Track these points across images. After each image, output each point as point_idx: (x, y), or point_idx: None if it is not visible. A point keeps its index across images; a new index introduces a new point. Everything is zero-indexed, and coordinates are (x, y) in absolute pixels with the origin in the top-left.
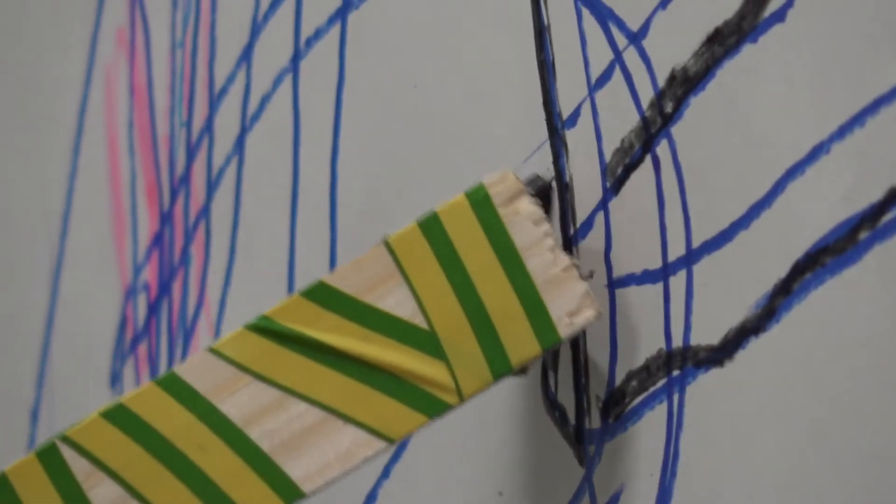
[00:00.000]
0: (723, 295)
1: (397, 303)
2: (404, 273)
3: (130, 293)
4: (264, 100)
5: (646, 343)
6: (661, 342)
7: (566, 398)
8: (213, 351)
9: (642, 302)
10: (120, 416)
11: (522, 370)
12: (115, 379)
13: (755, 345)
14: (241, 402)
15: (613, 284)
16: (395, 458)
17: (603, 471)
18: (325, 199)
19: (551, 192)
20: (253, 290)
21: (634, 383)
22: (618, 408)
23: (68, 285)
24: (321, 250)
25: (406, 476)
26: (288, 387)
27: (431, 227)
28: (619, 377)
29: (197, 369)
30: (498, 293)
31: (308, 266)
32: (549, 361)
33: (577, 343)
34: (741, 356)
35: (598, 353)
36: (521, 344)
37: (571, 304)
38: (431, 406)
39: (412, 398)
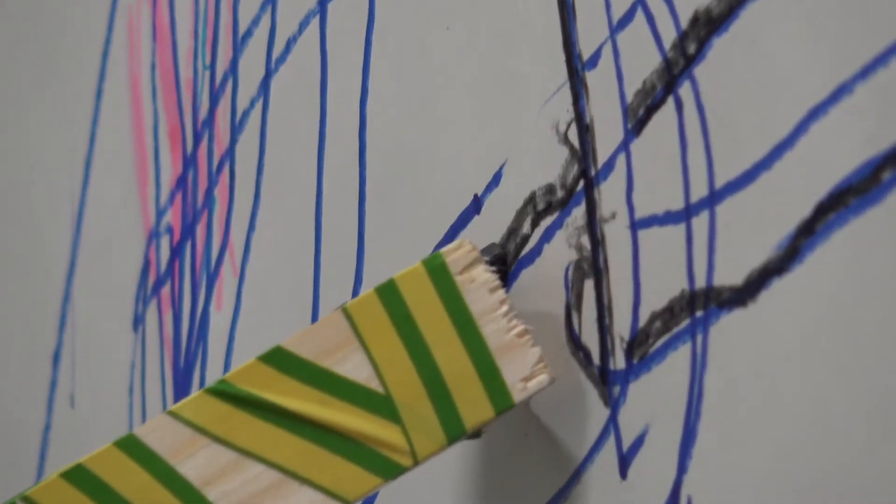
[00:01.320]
0: (746, 235)
1: (354, 367)
2: (361, 338)
3: (153, 236)
4: (290, 42)
5: (669, 284)
6: (685, 283)
7: (590, 339)
8: (172, 413)
9: (665, 243)
10: (80, 477)
11: (476, 433)
12: (138, 322)
13: (778, 285)
14: (198, 463)
15: (636, 225)
16: None
17: (628, 411)
18: (354, 141)
19: (508, 260)
20: (279, 233)
21: (658, 324)
22: (642, 348)
23: (91, 230)
24: (349, 192)
25: None
26: (245, 449)
27: (388, 294)
28: (643, 318)
29: (156, 431)
30: (453, 359)
31: (335, 208)
32: (574, 302)
33: (601, 284)
34: (764, 296)
35: (621, 294)
36: (476, 408)
37: (525, 370)
38: (387, 468)
39: (368, 461)
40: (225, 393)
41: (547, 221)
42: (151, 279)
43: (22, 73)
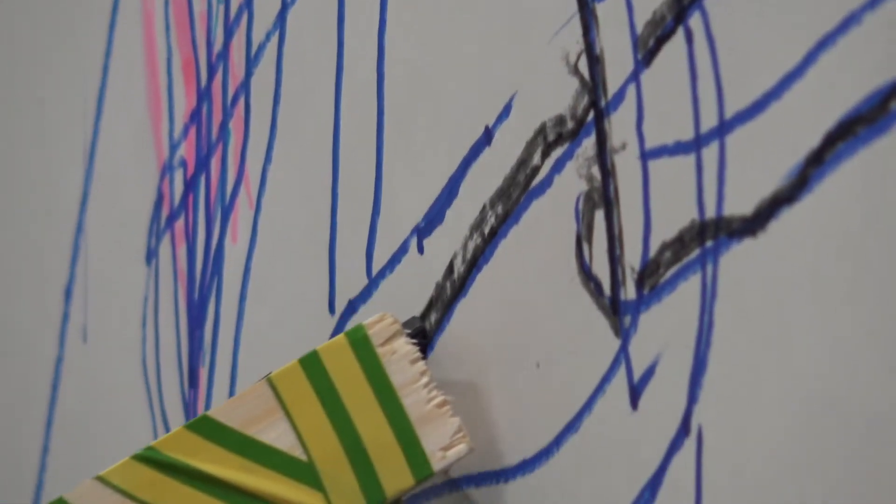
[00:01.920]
0: (755, 165)
1: (278, 436)
2: (285, 408)
3: (167, 170)
4: None
5: (679, 214)
6: (695, 213)
7: (601, 270)
8: (100, 479)
9: (675, 173)
10: None
11: (396, 501)
12: (151, 256)
13: (788, 214)
14: None
15: (646, 156)
16: (441, 329)
17: (638, 341)
18: (372, 73)
19: (428, 333)
20: (295, 165)
21: (668, 254)
22: (652, 279)
23: (103, 164)
24: (367, 124)
25: (443, 353)
26: None
27: (312, 365)
28: (654, 248)
29: (84, 496)
30: (375, 428)
31: (352, 139)
32: (584, 233)
33: (612, 215)
34: (774, 226)
35: (632, 224)
36: (396, 476)
37: (444, 440)
38: None
39: None
40: (152, 459)
41: (557, 152)
42: (165, 213)
43: (34, 6)
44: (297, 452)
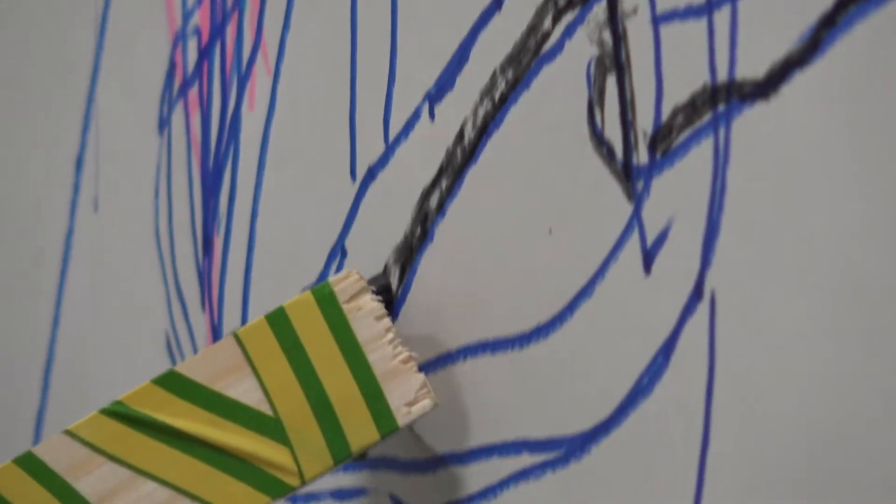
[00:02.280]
0: (767, 28)
1: (245, 391)
2: (252, 363)
3: (179, 38)
4: None
5: (691, 78)
6: (706, 77)
7: (613, 134)
8: (69, 432)
9: (686, 37)
10: None
11: (362, 455)
12: (163, 124)
13: (800, 78)
14: (94, 481)
15: (657, 20)
16: (452, 195)
17: (651, 206)
18: None
19: (393, 290)
20: (314, 32)
21: (680, 118)
22: (665, 143)
23: (114, 33)
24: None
25: (458, 214)
26: (139, 468)
27: (278, 321)
28: (666, 113)
29: (53, 450)
30: (340, 384)
31: (369, 5)
32: (596, 97)
33: (623, 79)
34: (786, 89)
35: (643, 88)
36: (361, 431)
37: (409, 395)
38: (275, 488)
39: (257, 480)
40: (119, 414)
41: (568, 17)
42: (178, 81)
43: None
44: (264, 408)
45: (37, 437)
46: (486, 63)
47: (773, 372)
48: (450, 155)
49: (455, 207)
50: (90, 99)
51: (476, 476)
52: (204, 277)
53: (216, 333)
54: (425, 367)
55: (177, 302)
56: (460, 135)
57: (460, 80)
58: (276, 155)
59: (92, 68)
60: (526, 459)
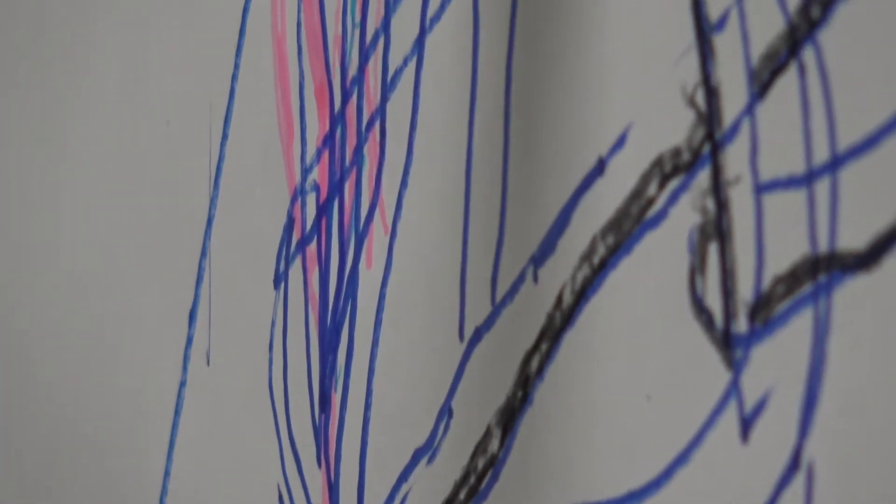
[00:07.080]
0: (869, 200)
1: None
2: None
3: (298, 194)
4: (445, 2)
5: (792, 248)
6: (807, 247)
7: (713, 303)
8: None
9: (788, 207)
10: None
11: None
12: (279, 280)
13: None
14: None
15: (760, 189)
16: (549, 359)
17: (750, 375)
18: (500, 98)
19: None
20: (431, 190)
21: (781, 288)
22: (764, 312)
23: (229, 187)
24: (495, 149)
25: (557, 378)
26: None
27: None
28: (766, 282)
29: None
30: None
31: (483, 167)
32: (698, 265)
33: (725, 248)
34: (888, 261)
35: (744, 257)
36: None
37: None
38: None
39: None
40: None
41: (673, 184)
42: (296, 237)
43: (161, 25)
44: None
45: None
46: (586, 227)
47: None
48: (549, 319)
49: (552, 371)
50: (203, 253)
51: None
52: (320, 433)
53: (332, 490)
54: None
55: (290, 456)
56: (559, 299)
57: (560, 244)
58: (392, 313)
59: (206, 221)
60: None
